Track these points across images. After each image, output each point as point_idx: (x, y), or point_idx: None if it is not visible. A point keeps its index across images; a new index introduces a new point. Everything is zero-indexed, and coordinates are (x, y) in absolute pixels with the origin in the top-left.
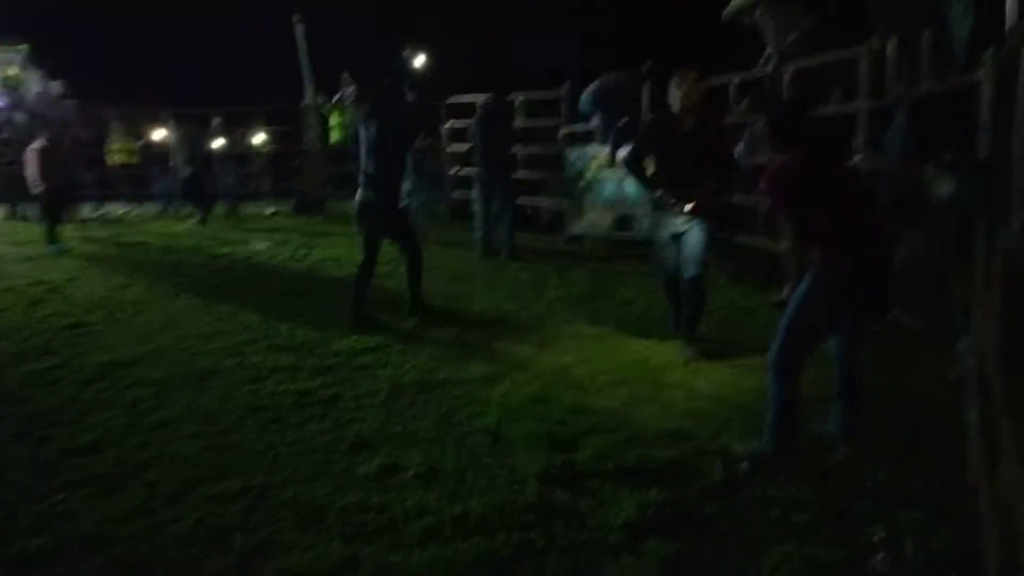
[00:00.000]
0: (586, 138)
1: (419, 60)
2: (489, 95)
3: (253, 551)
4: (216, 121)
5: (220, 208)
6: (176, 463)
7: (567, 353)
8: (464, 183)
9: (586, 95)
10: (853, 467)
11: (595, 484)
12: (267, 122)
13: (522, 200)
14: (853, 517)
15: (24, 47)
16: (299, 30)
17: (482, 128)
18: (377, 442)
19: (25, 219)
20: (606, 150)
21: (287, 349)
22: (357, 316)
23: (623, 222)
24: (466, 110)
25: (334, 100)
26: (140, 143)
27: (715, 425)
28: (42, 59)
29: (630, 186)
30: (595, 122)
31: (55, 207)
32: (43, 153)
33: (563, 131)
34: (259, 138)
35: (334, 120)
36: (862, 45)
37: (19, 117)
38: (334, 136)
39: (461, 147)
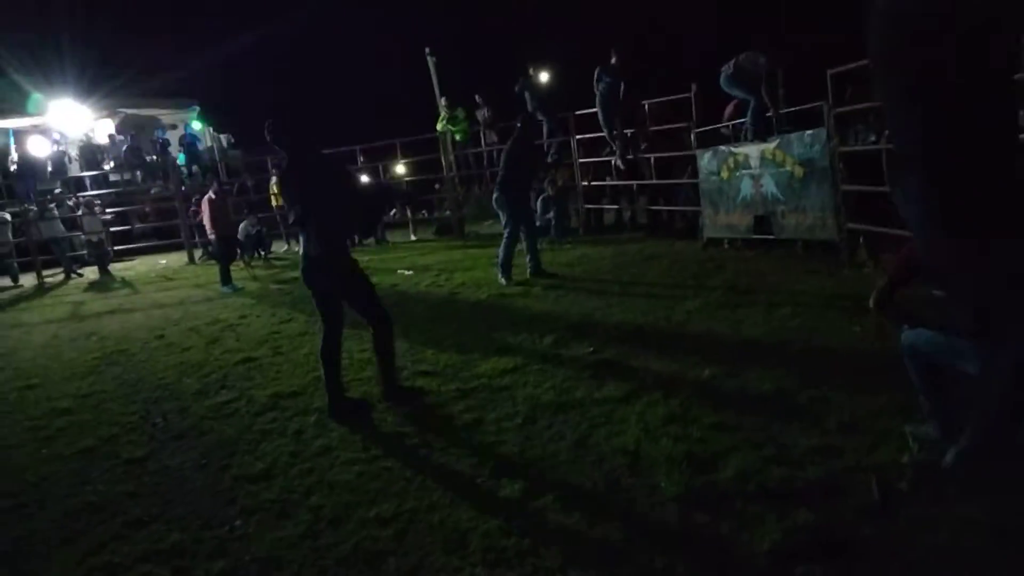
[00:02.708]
0: (718, 139)
1: (544, 76)
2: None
3: (405, 574)
4: (360, 158)
5: (368, 239)
6: (336, 489)
7: (708, 365)
8: (597, 194)
9: (723, 77)
10: None
11: (738, 506)
12: (405, 153)
13: (655, 207)
14: None
15: (196, 107)
16: (431, 62)
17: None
18: (518, 466)
19: (210, 256)
20: (747, 148)
21: (432, 374)
22: (334, 403)
23: (762, 222)
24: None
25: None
26: None
27: (871, 439)
28: (210, 117)
29: (768, 184)
30: (729, 110)
31: (226, 251)
32: (212, 203)
33: (694, 133)
34: (399, 169)
35: (454, 126)
36: None
37: (195, 169)
38: (459, 137)
39: (590, 160)
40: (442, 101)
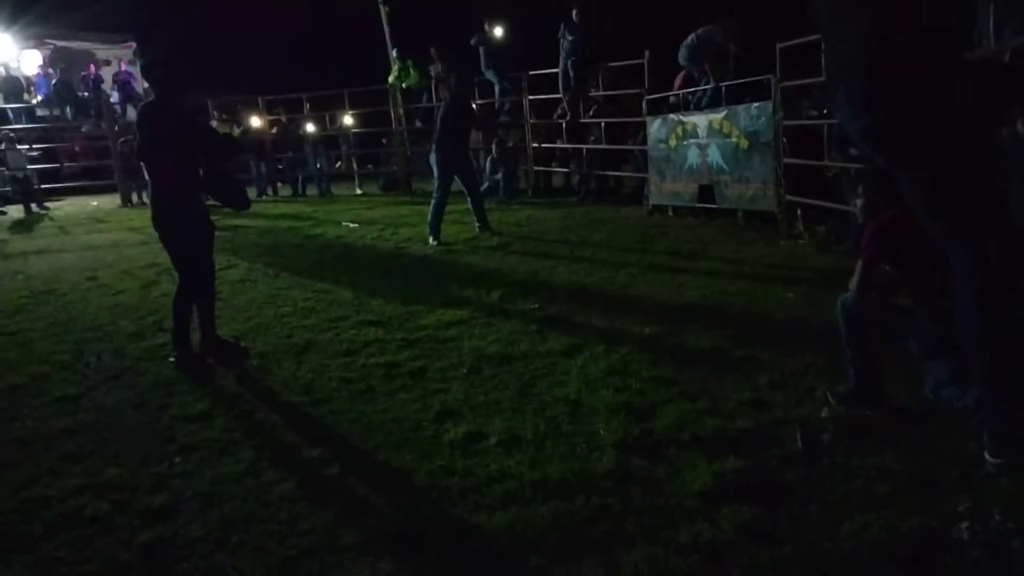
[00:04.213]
0: (668, 107)
1: (499, 31)
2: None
3: (349, 511)
4: (307, 106)
5: (312, 189)
6: (278, 429)
7: (648, 324)
8: (547, 156)
9: (683, 48)
10: (944, 437)
11: (672, 452)
12: (354, 104)
13: (605, 172)
14: (939, 487)
15: (133, 44)
16: (384, 11)
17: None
18: (461, 411)
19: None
20: (695, 117)
21: (377, 324)
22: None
23: (706, 191)
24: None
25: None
26: (239, 130)
27: (798, 396)
28: (144, 56)
29: (714, 154)
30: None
31: None
32: None
33: (646, 99)
34: (347, 120)
35: (405, 79)
36: None
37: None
38: (410, 82)
39: (543, 121)
40: (393, 53)
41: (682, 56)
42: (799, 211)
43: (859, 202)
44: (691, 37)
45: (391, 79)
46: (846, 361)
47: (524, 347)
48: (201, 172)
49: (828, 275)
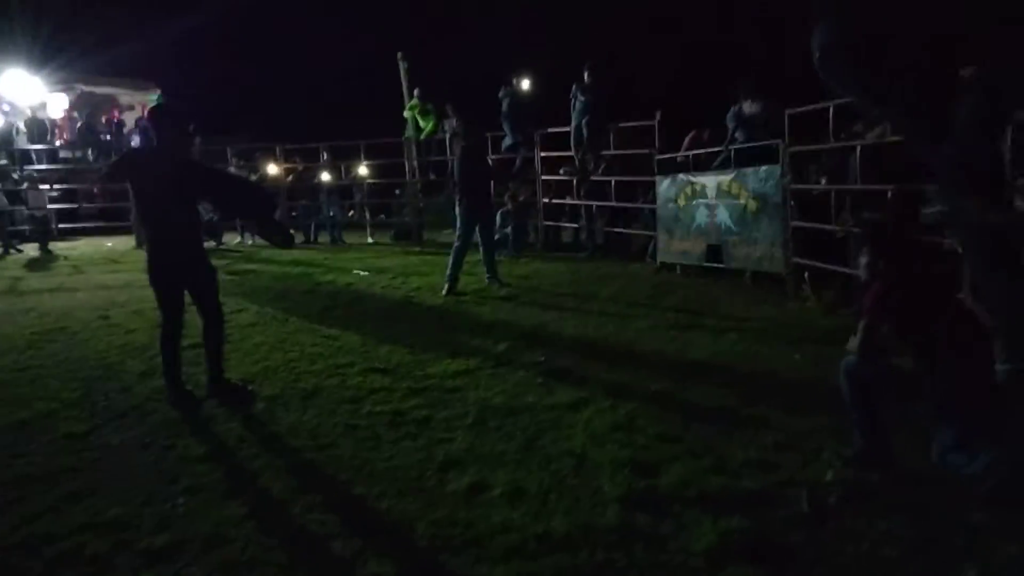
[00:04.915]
0: (677, 166)
1: (525, 85)
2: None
3: (349, 559)
4: (324, 155)
5: (324, 237)
6: (283, 474)
7: (655, 380)
8: (556, 212)
9: (730, 116)
10: (951, 502)
11: (677, 509)
12: (369, 155)
13: (614, 228)
14: (947, 553)
15: (157, 91)
16: (403, 67)
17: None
18: (466, 462)
19: None
20: (704, 178)
21: (384, 371)
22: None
23: (714, 251)
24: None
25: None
26: (256, 177)
27: (804, 457)
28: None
29: (722, 215)
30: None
31: None
32: None
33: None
34: (362, 170)
35: (423, 118)
36: None
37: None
38: (427, 128)
39: (553, 177)
40: (415, 92)
41: (731, 119)
42: (807, 273)
43: (863, 260)
44: (742, 107)
45: (407, 114)
46: (852, 423)
47: (530, 399)
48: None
49: (835, 337)
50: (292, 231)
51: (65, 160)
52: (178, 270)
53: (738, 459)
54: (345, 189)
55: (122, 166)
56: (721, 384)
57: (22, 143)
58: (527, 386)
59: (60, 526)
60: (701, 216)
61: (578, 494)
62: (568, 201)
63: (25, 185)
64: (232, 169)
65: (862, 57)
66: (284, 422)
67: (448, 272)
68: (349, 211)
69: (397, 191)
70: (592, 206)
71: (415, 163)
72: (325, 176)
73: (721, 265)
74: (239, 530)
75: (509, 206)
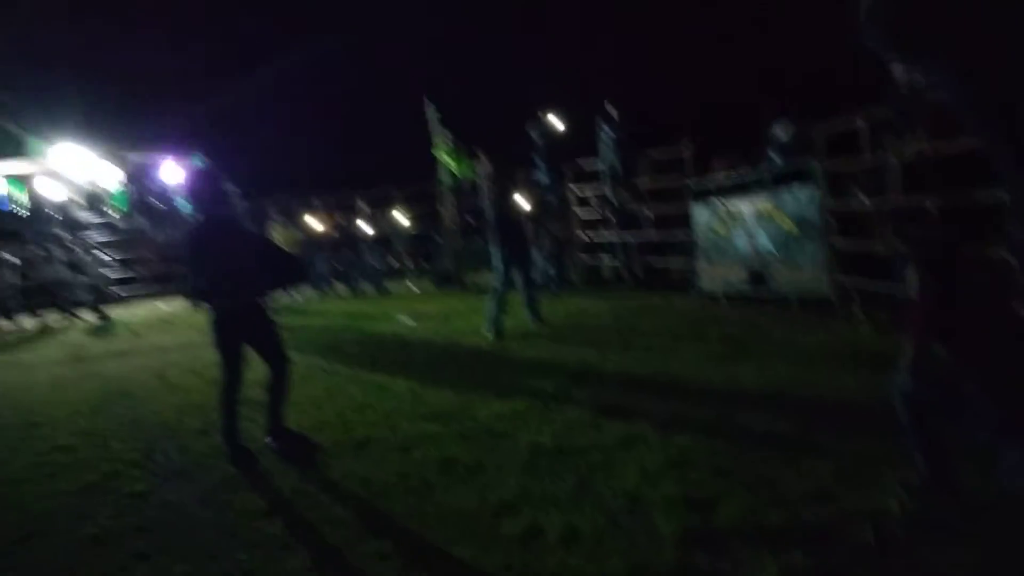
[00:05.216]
0: (711, 193)
1: (553, 121)
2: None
3: None
4: (361, 205)
5: (367, 287)
6: (337, 525)
7: (705, 413)
8: (593, 247)
9: (771, 149)
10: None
11: (735, 546)
12: (406, 202)
13: (652, 259)
14: None
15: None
16: (430, 111)
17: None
18: (519, 506)
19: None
20: (741, 203)
21: (433, 418)
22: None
23: (757, 277)
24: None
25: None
26: (302, 236)
27: (864, 485)
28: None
29: (762, 239)
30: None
31: None
32: None
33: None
34: (402, 219)
35: (455, 161)
36: None
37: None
38: (459, 173)
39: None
40: (448, 136)
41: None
42: (856, 296)
43: (912, 277)
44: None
45: (437, 152)
46: (912, 448)
47: (580, 439)
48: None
49: (890, 360)
50: (336, 283)
51: (122, 231)
52: (242, 326)
53: (796, 491)
54: (384, 238)
55: (194, 242)
56: (773, 413)
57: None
58: (576, 426)
59: None
60: (741, 242)
61: (633, 534)
62: (604, 237)
63: (84, 255)
64: (277, 226)
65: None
66: (337, 472)
67: (491, 316)
68: (389, 260)
69: (436, 237)
70: (629, 239)
71: (451, 208)
72: (364, 226)
73: (766, 292)
74: None
75: (547, 243)
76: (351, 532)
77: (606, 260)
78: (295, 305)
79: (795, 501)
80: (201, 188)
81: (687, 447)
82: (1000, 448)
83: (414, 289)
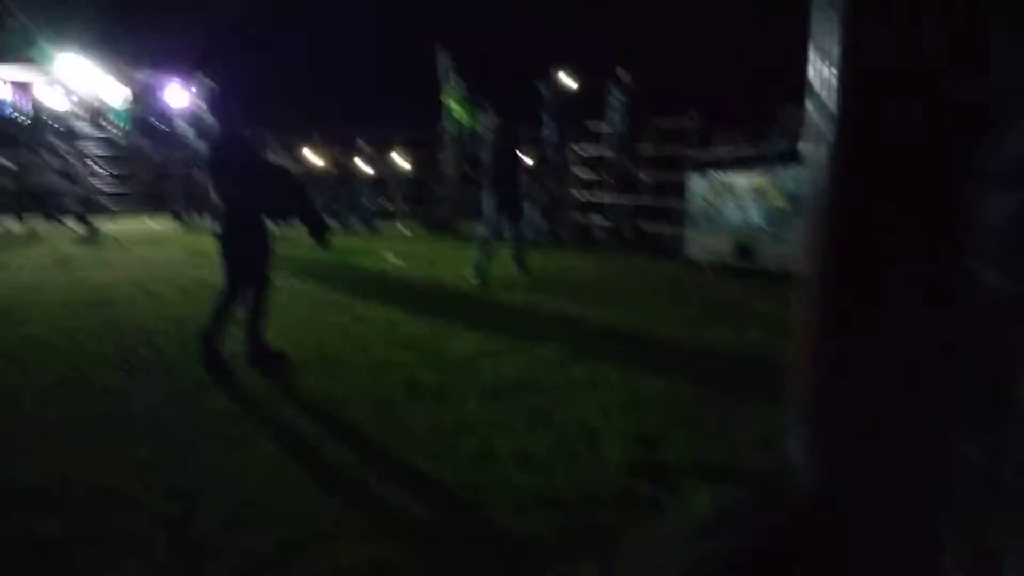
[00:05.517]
0: (710, 165)
1: (563, 78)
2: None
3: (357, 501)
4: (360, 143)
5: (357, 225)
6: (301, 431)
7: (672, 366)
8: (589, 208)
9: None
10: None
11: (677, 478)
12: (407, 146)
13: (644, 224)
14: None
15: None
16: (442, 59)
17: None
18: (477, 428)
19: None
20: (737, 177)
21: (405, 347)
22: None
23: (745, 250)
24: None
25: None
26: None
27: None
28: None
29: (754, 213)
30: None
31: None
32: None
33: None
34: (401, 162)
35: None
36: None
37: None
38: (465, 121)
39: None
40: (462, 85)
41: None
42: None
43: None
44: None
45: (446, 99)
46: None
47: (544, 377)
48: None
49: None
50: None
51: (120, 147)
52: (242, 242)
53: (744, 437)
54: (381, 179)
55: (216, 157)
56: (740, 373)
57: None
58: (543, 364)
59: (92, 465)
60: (732, 214)
61: (583, 460)
62: (599, 198)
63: (78, 165)
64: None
65: None
66: (306, 385)
67: (476, 262)
68: (385, 200)
69: (432, 181)
70: (624, 203)
71: (452, 156)
72: (363, 166)
73: (752, 264)
74: (256, 475)
75: (539, 197)
76: (313, 439)
77: (598, 221)
78: (281, 234)
79: (740, 445)
80: (227, 107)
81: (647, 391)
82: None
83: (405, 232)
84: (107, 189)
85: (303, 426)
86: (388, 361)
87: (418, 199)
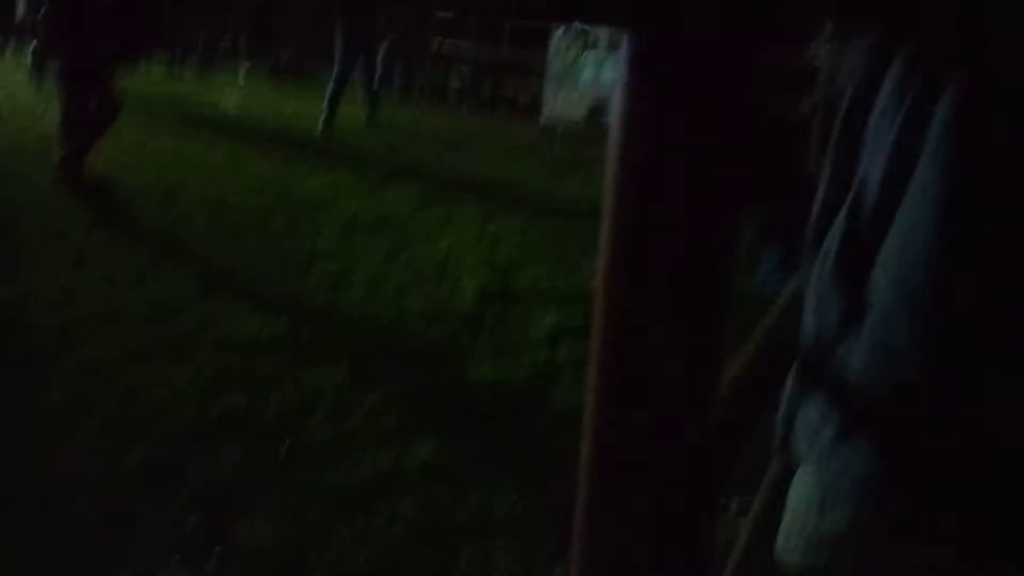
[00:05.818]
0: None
1: None
2: None
3: (212, 318)
4: None
5: (192, 66)
6: (136, 253)
7: (528, 209)
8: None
9: None
10: None
11: (525, 301)
12: None
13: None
14: None
15: None
16: None
17: None
18: (332, 258)
19: None
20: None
21: (253, 181)
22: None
23: (596, 111)
24: None
25: None
26: None
27: None
28: None
29: (609, 70)
30: None
31: None
32: None
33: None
34: None
35: None
36: None
37: None
38: None
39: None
40: None
41: None
42: None
43: None
44: None
45: None
46: None
47: (402, 215)
48: None
49: None
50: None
51: None
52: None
53: (589, 265)
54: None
55: None
56: (583, 216)
57: None
58: (400, 204)
59: None
60: (588, 72)
61: (436, 287)
62: (459, 50)
63: None
64: None
65: None
66: (142, 213)
67: (324, 105)
68: (222, 41)
69: (275, 20)
70: (481, 58)
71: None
72: None
73: (601, 127)
74: (89, 295)
75: (394, 47)
76: (148, 262)
77: (455, 78)
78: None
79: (586, 272)
80: None
81: (501, 230)
82: (760, 252)
83: (240, 81)
84: None
85: (137, 250)
86: (233, 191)
87: (261, 42)
